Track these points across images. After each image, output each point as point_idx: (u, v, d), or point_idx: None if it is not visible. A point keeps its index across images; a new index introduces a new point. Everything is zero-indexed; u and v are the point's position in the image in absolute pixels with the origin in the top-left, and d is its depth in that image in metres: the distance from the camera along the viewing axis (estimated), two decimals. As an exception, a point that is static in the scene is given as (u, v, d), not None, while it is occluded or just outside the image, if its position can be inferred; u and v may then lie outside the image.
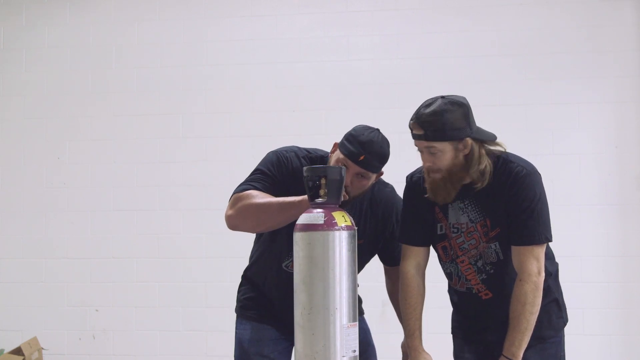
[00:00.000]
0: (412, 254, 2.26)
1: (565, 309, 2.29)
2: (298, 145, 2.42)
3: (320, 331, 1.76)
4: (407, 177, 2.35)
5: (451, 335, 2.43)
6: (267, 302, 2.41)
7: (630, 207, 4.23)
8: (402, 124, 4.37)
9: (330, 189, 1.85)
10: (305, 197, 1.98)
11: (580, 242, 4.17)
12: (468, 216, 2.16)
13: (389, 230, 2.39)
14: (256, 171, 2.30)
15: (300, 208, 1.98)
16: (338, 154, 2.20)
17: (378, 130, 2.21)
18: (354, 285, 1.81)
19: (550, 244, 2.21)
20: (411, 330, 2.24)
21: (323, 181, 1.85)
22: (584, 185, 4.23)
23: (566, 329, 4.11)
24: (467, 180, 2.12)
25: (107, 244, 4.50)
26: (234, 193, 2.24)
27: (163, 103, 4.55)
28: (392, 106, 4.39)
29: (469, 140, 2.07)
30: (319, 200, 1.85)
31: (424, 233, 2.26)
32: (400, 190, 2.44)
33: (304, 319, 1.78)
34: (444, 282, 2.40)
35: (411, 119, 2.11)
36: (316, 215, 1.80)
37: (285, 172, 2.28)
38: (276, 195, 2.18)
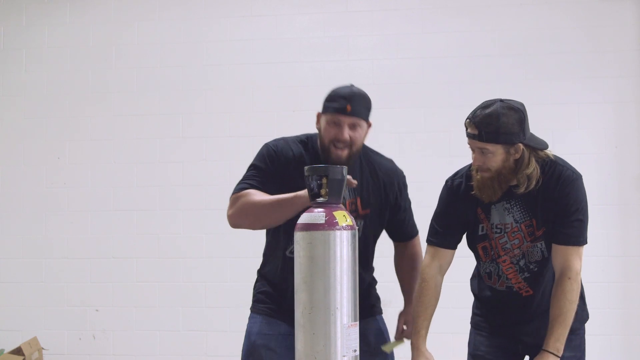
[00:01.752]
0: (438, 255, 2.30)
1: (586, 303, 2.36)
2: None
3: (320, 331, 1.75)
4: (447, 181, 2.37)
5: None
6: (279, 296, 2.37)
7: (630, 207, 4.23)
8: (402, 124, 4.42)
9: (331, 188, 1.86)
10: (300, 192, 2.03)
11: (580, 242, 4.16)
12: (513, 217, 2.20)
13: (392, 198, 2.40)
14: (251, 167, 2.35)
15: (295, 204, 2.03)
16: (325, 118, 2.26)
17: (352, 84, 2.32)
18: (355, 284, 1.81)
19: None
20: (417, 328, 2.26)
21: (324, 180, 1.85)
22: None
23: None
24: (514, 183, 2.17)
25: (107, 244, 4.50)
26: (233, 192, 2.28)
27: (163, 103, 4.55)
28: (392, 106, 4.39)
29: (521, 146, 2.12)
30: (320, 199, 1.85)
31: (455, 237, 2.32)
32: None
33: (304, 319, 1.78)
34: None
35: (467, 118, 2.16)
36: (317, 215, 1.80)
37: (277, 161, 2.31)
38: (274, 185, 2.22)
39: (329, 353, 1.75)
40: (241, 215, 2.24)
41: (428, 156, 4.30)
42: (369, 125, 2.32)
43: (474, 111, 2.14)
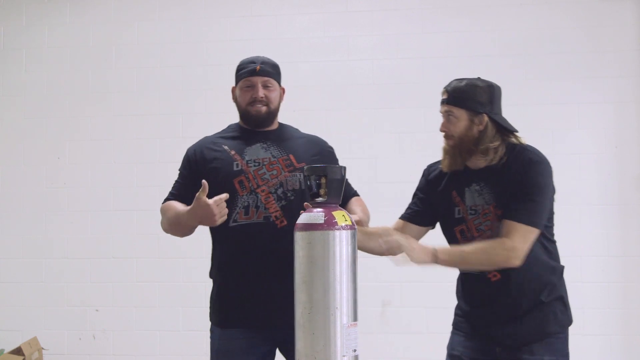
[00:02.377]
0: (400, 226, 2.41)
1: (570, 308, 2.31)
2: None
3: (320, 331, 1.76)
4: (427, 166, 2.49)
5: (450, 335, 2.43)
6: (231, 292, 2.43)
7: (630, 207, 4.23)
8: (402, 124, 4.42)
9: (330, 188, 1.86)
10: (186, 210, 2.20)
11: (580, 242, 4.16)
12: (484, 198, 2.23)
13: (323, 158, 2.49)
14: (178, 175, 2.53)
15: (188, 217, 2.23)
16: (239, 87, 2.42)
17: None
18: (354, 284, 1.82)
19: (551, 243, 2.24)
20: None
21: (323, 180, 1.86)
22: (584, 185, 4.23)
23: (566, 329, 4.06)
24: (477, 157, 2.22)
25: (107, 244, 4.50)
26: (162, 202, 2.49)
27: (163, 103, 4.55)
28: (392, 106, 4.39)
29: (486, 117, 2.20)
30: (319, 199, 1.85)
31: (419, 214, 2.41)
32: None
33: (304, 319, 1.78)
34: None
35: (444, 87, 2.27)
36: (316, 215, 1.81)
37: (194, 163, 2.45)
38: (203, 179, 2.31)
39: (329, 353, 1.75)
40: (165, 229, 2.46)
41: (428, 156, 4.24)
42: (282, 90, 2.48)
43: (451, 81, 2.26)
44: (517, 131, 2.26)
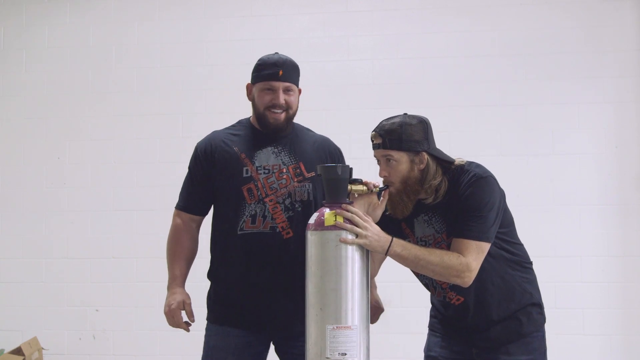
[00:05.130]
0: None
1: (543, 306, 2.29)
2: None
3: (330, 330, 1.80)
4: None
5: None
6: (231, 295, 2.38)
7: (630, 207, 4.23)
8: (402, 124, 4.39)
9: (342, 188, 1.92)
10: (172, 287, 2.45)
11: (580, 242, 4.16)
12: (433, 227, 2.18)
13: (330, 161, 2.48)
14: (188, 172, 2.53)
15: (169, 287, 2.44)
16: (258, 87, 2.37)
17: (277, 52, 2.45)
18: (367, 284, 1.85)
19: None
20: None
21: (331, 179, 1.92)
22: (584, 185, 4.23)
23: (566, 329, 4.12)
24: (423, 195, 2.16)
25: (107, 244, 4.50)
26: (176, 206, 2.56)
27: (163, 103, 4.55)
28: (392, 106, 4.35)
29: (425, 155, 2.13)
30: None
31: None
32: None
33: (315, 317, 1.86)
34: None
35: (373, 130, 2.18)
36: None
37: (205, 162, 2.42)
38: (213, 175, 2.38)
39: (336, 351, 1.78)
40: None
41: (428, 156, 4.29)
42: (300, 91, 2.46)
43: (380, 123, 2.18)
44: (454, 161, 2.18)
